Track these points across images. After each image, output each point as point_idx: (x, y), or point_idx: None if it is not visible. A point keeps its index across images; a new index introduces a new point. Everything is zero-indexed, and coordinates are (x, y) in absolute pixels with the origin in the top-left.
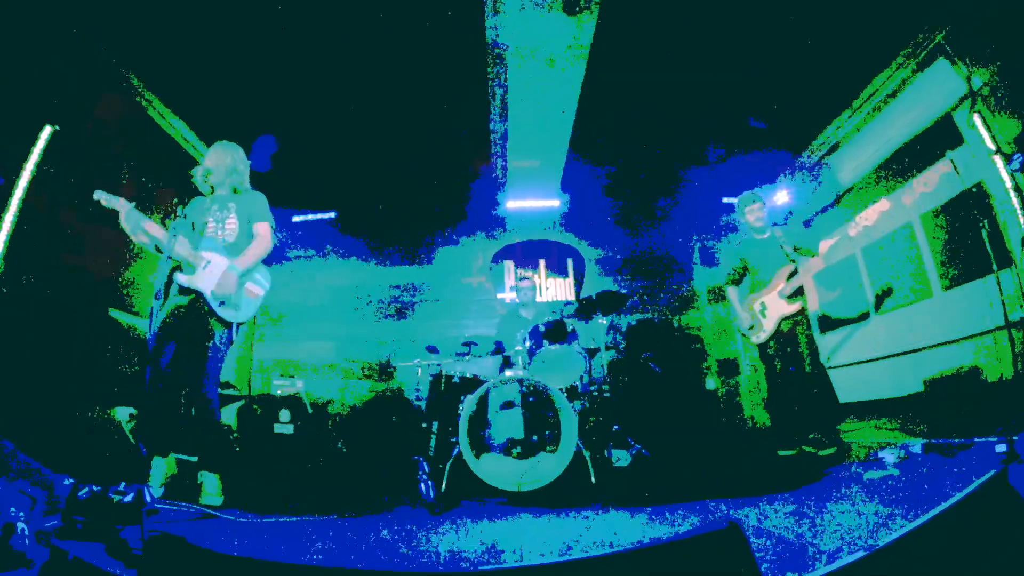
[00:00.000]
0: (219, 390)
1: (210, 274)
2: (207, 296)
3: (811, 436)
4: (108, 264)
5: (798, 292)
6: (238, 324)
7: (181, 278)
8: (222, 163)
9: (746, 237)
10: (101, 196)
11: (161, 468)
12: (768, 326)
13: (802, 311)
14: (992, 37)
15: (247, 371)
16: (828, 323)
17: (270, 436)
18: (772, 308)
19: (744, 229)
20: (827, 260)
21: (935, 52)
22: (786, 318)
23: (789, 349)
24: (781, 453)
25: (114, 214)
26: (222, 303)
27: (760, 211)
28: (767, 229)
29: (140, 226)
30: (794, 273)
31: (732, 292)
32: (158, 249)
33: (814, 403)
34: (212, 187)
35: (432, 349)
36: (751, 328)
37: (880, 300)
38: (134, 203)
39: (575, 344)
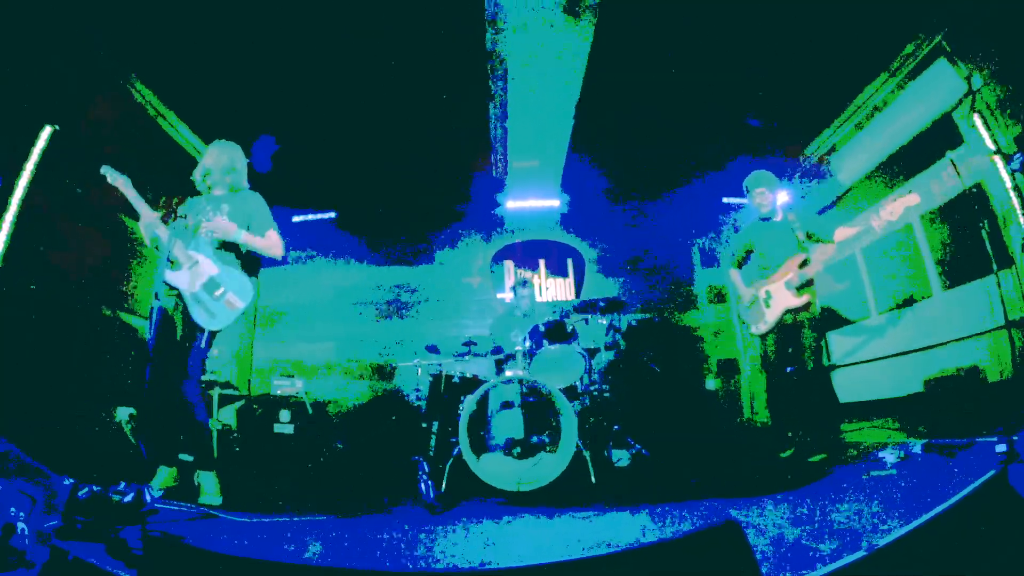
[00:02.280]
0: (220, 391)
1: (195, 274)
2: (185, 296)
3: (807, 440)
4: (108, 264)
5: (807, 284)
6: (211, 332)
7: (169, 275)
8: (219, 163)
9: (754, 219)
10: (107, 171)
11: (164, 474)
12: (771, 317)
13: (809, 305)
14: (992, 37)
15: (247, 371)
16: (828, 323)
17: (270, 436)
18: (778, 298)
19: (753, 211)
20: (841, 250)
21: (935, 52)
22: (791, 311)
23: (791, 347)
24: (782, 456)
25: (113, 213)
26: (199, 304)
27: (763, 196)
28: (777, 212)
29: (137, 207)
30: (805, 263)
31: (735, 275)
32: (155, 245)
33: (813, 404)
34: (210, 187)
35: (432, 349)
36: (751, 304)
37: (879, 304)
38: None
39: (575, 344)
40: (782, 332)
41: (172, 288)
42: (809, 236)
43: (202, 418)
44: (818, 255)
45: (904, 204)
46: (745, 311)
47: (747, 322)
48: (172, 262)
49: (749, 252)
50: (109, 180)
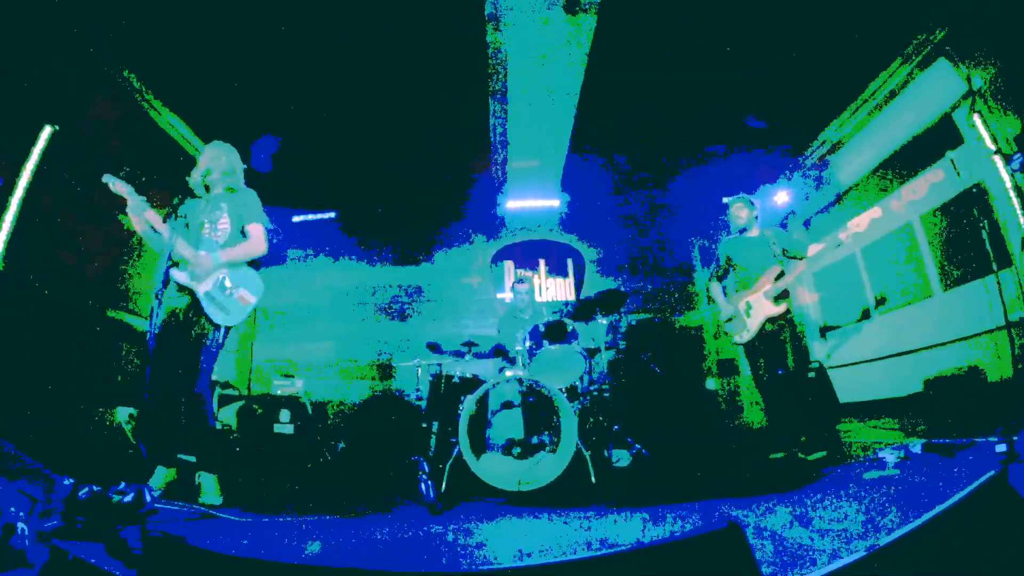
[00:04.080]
0: (220, 391)
1: (205, 273)
2: (199, 295)
3: (802, 439)
4: (108, 264)
5: (784, 294)
6: (227, 328)
7: (177, 275)
8: (218, 164)
9: (732, 235)
10: (109, 180)
11: (162, 474)
12: (753, 326)
13: (787, 313)
14: (992, 37)
15: (247, 371)
16: (828, 323)
17: (270, 436)
18: (757, 308)
19: (732, 228)
20: (811, 264)
21: (935, 52)
22: (771, 319)
23: (775, 351)
24: (772, 457)
25: (112, 213)
26: (212, 302)
27: (739, 211)
28: (753, 228)
29: (143, 215)
30: (781, 275)
31: (715, 287)
32: (158, 246)
33: (807, 404)
34: (207, 187)
35: (432, 349)
36: (731, 320)
37: (879, 303)
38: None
39: (575, 344)
40: (765, 338)
41: (183, 288)
42: (785, 252)
43: (211, 417)
44: (791, 269)
45: (869, 217)
46: (727, 322)
47: (730, 333)
48: (177, 263)
49: (728, 266)
50: (111, 188)
